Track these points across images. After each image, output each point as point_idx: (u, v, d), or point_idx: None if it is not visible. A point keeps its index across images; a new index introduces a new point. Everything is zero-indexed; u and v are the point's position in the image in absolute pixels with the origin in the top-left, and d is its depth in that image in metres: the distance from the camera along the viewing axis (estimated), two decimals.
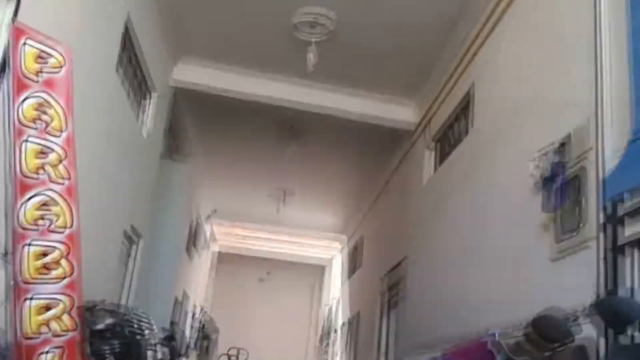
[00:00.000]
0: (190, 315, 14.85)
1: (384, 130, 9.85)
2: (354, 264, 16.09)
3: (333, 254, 19.31)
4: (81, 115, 5.10)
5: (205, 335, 17.53)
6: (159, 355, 6.43)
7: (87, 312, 5.61)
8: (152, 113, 8.38)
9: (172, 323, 10.94)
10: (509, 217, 5.45)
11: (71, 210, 3.03)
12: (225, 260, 21.48)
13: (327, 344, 18.09)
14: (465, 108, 7.64)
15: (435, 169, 8.86)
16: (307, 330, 23.14)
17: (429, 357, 5.88)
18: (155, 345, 7.39)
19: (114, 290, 7.69)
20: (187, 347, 15.71)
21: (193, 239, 14.89)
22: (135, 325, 6.50)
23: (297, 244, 19.29)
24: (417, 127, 9.54)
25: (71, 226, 3.02)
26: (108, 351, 5.32)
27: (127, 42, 6.92)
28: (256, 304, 22.74)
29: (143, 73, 7.72)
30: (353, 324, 14.56)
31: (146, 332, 6.35)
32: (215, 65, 8.94)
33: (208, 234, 17.86)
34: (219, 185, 14.47)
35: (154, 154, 9.01)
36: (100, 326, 5.67)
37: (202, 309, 16.76)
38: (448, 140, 8.34)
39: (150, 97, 8.30)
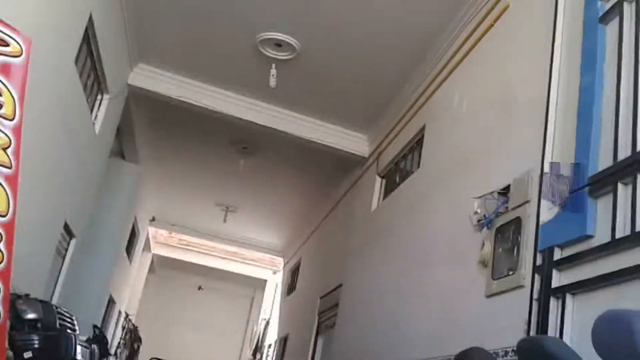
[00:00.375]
0: (115, 320, 14.48)
1: (336, 156, 10.01)
2: (291, 283, 16.11)
3: (274, 270, 19.32)
4: (35, 102, 5.03)
5: (126, 343, 17.11)
6: (88, 353, 6.23)
7: (18, 300, 5.45)
8: (105, 111, 8.25)
9: (94, 327, 10.64)
10: (449, 252, 5.61)
11: (8, 199, 2.97)
12: (165, 264, 21.17)
13: (260, 358, 17.96)
14: (415, 145, 7.85)
15: (382, 200, 9.03)
16: (241, 342, 22.97)
17: None
18: (87, 341, 7.22)
19: (48, 283, 7.47)
20: (117, 349, 15.31)
21: (133, 241, 14.62)
22: (68, 320, 6.35)
23: (239, 256, 19.24)
24: (368, 157, 9.74)
25: (6, 215, 2.95)
26: (37, 341, 5.17)
27: (89, 38, 6.84)
28: (192, 311, 22.44)
29: (101, 71, 7.62)
30: (283, 343, 14.54)
31: (70, 330, 6.21)
32: (174, 73, 8.92)
33: (150, 237, 17.58)
34: (165, 191, 14.33)
35: (104, 152, 8.86)
36: (31, 315, 5.51)
37: (127, 315, 16.37)
38: (397, 173, 8.53)
39: (105, 95, 8.19)
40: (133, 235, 14.34)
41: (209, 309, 22.76)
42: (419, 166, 7.39)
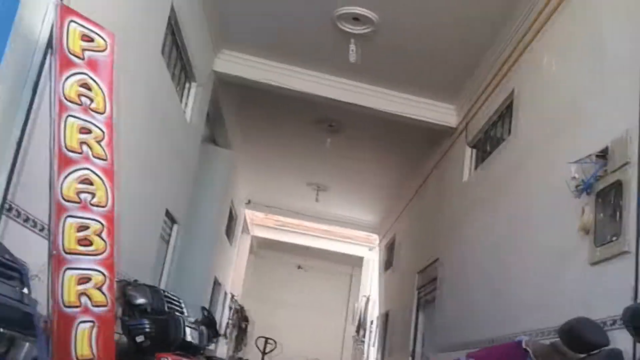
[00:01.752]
0: (222, 301, 15.06)
1: (423, 129, 9.81)
2: (387, 260, 16.10)
3: (369, 247, 19.39)
4: (128, 94, 5.28)
5: (235, 324, 17.78)
6: (197, 334, 6.48)
7: (128, 287, 5.78)
8: (195, 99, 8.52)
9: (203, 308, 11.12)
10: (548, 220, 5.40)
11: (107, 190, 3.13)
12: (264, 246, 21.78)
13: (364, 334, 18.17)
14: (505, 111, 7.56)
15: (473, 170, 8.79)
16: (343, 319, 23.30)
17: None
18: (195, 323, 7.58)
19: (155, 269, 7.88)
20: (226, 329, 15.96)
21: (232, 225, 15.11)
22: (176, 304, 6.66)
23: (334, 234, 19.40)
24: (457, 127, 9.47)
25: (106, 205, 3.11)
26: (147, 326, 5.46)
27: (172, 27, 7.05)
28: (294, 290, 22.96)
29: (187, 59, 7.86)
30: (386, 319, 14.61)
31: (178, 313, 6.50)
32: (256, 57, 9.03)
33: (247, 219, 18.11)
34: (258, 173, 14.66)
35: (196, 139, 9.18)
36: (141, 300, 5.83)
37: (232, 296, 16.97)
38: (488, 142, 8.26)
39: (193, 83, 8.44)
40: (231, 218, 14.81)
41: (310, 287, 23.20)
42: (509, 133, 7.11)
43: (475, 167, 8.67)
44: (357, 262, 21.98)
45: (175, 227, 8.67)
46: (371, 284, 18.58)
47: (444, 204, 9.90)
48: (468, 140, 8.90)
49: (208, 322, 11.66)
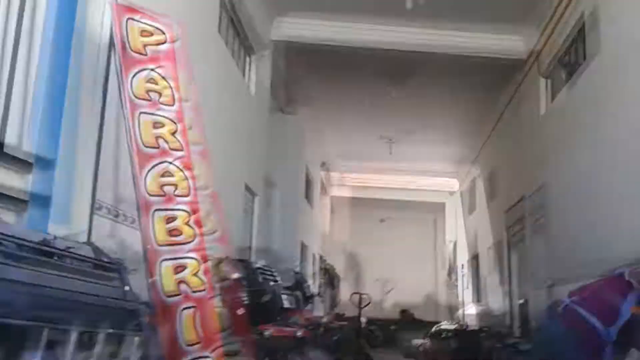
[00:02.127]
0: (311, 263, 15.33)
1: (491, 65, 9.41)
2: (470, 203, 15.85)
3: (450, 192, 19.15)
4: (195, 80, 5.34)
5: (327, 283, 18.10)
6: (293, 299, 6.62)
7: (220, 264, 5.97)
8: (256, 71, 8.53)
9: (295, 272, 11.35)
10: None
11: (187, 180, 3.18)
12: (344, 204, 21.92)
13: (456, 278, 18.13)
14: (577, 36, 7.11)
15: (549, 103, 8.38)
16: (433, 266, 23.30)
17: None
18: (289, 288, 7.73)
19: (242, 242, 8.08)
20: (319, 288, 16.30)
21: (310, 188, 15.26)
22: (268, 273, 6.83)
23: (412, 184, 19.24)
24: (527, 59, 9.02)
25: (189, 194, 3.17)
26: (245, 298, 5.64)
27: (225, 5, 7.03)
28: (380, 244, 23.05)
29: (243, 34, 7.85)
30: (476, 262, 14.47)
31: (272, 282, 6.67)
32: (313, 17, 8.91)
33: (324, 181, 18.25)
34: (328, 135, 14.65)
35: (263, 110, 9.23)
36: (235, 275, 6.01)
37: (321, 257, 17.22)
38: (563, 70, 7.83)
39: (252, 57, 8.44)
40: (308, 182, 14.92)
41: (395, 238, 23.19)
42: (585, 57, 6.69)
43: (552, 98, 8.27)
44: (439, 208, 21.76)
45: (256, 199, 8.83)
46: (456, 229, 18.38)
47: (524, 140, 9.55)
48: (541, 71, 8.49)
49: (301, 285, 11.97)
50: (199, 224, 3.18)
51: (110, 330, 2.15)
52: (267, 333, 4.32)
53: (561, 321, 3.92)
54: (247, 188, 8.22)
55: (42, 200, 2.86)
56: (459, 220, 17.92)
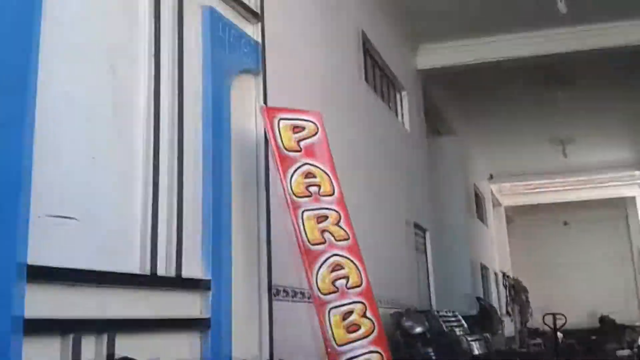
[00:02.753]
0: (493, 282, 14.69)
1: None
2: None
3: (638, 188, 17.40)
4: (351, 139, 5.38)
5: (514, 299, 17.22)
6: (483, 343, 6.35)
7: (402, 318, 5.86)
8: (409, 105, 8.41)
9: (478, 299, 10.92)
10: None
11: (358, 269, 3.12)
12: (520, 212, 20.85)
13: None
14: None
15: None
16: (631, 267, 21.27)
17: None
18: (475, 317, 7.35)
19: (420, 280, 7.92)
20: (506, 307, 15.59)
21: (480, 205, 14.70)
22: (452, 320, 6.60)
23: (593, 182, 17.75)
24: None
25: (361, 284, 3.11)
26: (432, 352, 5.47)
27: (368, 51, 7.01)
28: (565, 248, 21.54)
29: (391, 74, 7.78)
30: None
31: (457, 328, 6.42)
32: (456, 40, 8.60)
33: (495, 193, 17.52)
34: (493, 147, 14.13)
35: (422, 142, 9.06)
36: (419, 329, 5.86)
37: (504, 273, 16.46)
38: None
39: (403, 92, 8.33)
40: (478, 199, 14.39)
41: (582, 241, 21.49)
42: None
43: None
44: (629, 203, 19.86)
45: (427, 234, 8.62)
46: None
47: None
48: None
49: (487, 311, 11.48)
50: (375, 312, 3.10)
51: None
52: None
53: None
54: (417, 226, 8.06)
55: (224, 315, 2.95)
56: None
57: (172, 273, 2.75)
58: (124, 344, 2.35)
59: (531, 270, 20.51)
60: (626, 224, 21.76)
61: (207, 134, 3.12)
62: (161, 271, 2.68)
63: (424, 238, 8.61)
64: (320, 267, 3.04)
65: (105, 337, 2.30)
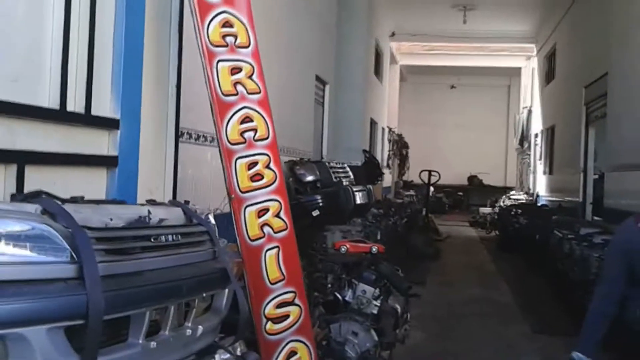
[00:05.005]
0: (380, 138, 15.41)
1: None
2: (547, 71, 15.17)
3: (527, 56, 18.30)
4: None
5: (396, 153, 18.28)
6: (365, 194, 6.79)
7: (296, 166, 6.16)
8: None
9: (364, 151, 11.51)
10: None
11: (266, 122, 3.23)
12: (414, 72, 21.45)
13: (528, 147, 17.87)
14: None
15: None
16: (504, 133, 22.97)
17: None
18: (359, 168, 7.77)
19: (315, 130, 8.20)
20: (387, 160, 16.56)
21: (379, 62, 14.94)
22: (341, 171, 7.01)
23: (486, 49, 18.42)
24: None
25: (268, 136, 3.23)
26: (319, 200, 5.87)
27: None
28: (449, 111, 22.74)
29: None
30: (551, 134, 14.17)
31: (344, 179, 6.86)
32: None
33: (394, 50, 17.78)
34: (399, 3, 14.08)
35: None
36: (310, 177, 6.22)
37: (390, 128, 17.25)
38: None
39: None
40: (377, 55, 14.59)
41: (465, 105, 22.79)
42: None
43: None
44: (513, 73, 20.99)
45: (327, 87, 8.79)
46: (532, 95, 17.78)
47: (613, 15, 8.88)
48: None
49: (371, 163, 12.19)
50: (278, 164, 3.28)
51: (205, 295, 2.32)
52: (343, 249, 4.52)
53: None
54: (318, 79, 8.18)
55: (131, 154, 3.01)
56: (535, 86, 17.28)
57: (82, 110, 2.73)
58: (32, 177, 2.38)
59: (415, 128, 21.65)
60: (507, 93, 23.17)
61: None
62: (70, 107, 2.66)
63: (323, 91, 8.80)
64: (230, 118, 3.11)
65: (14, 168, 2.31)
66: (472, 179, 22.70)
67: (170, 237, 2.23)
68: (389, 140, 17.27)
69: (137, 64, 3.05)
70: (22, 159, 2.35)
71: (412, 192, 16.41)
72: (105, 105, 2.89)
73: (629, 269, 3.92)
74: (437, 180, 13.63)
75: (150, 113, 3.22)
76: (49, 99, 2.56)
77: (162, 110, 3.36)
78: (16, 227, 1.76)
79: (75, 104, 2.69)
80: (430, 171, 13.22)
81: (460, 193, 21.90)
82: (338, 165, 7.04)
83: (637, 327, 3.94)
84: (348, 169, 7.27)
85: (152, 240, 2.15)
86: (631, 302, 3.93)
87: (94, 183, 2.82)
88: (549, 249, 7.66)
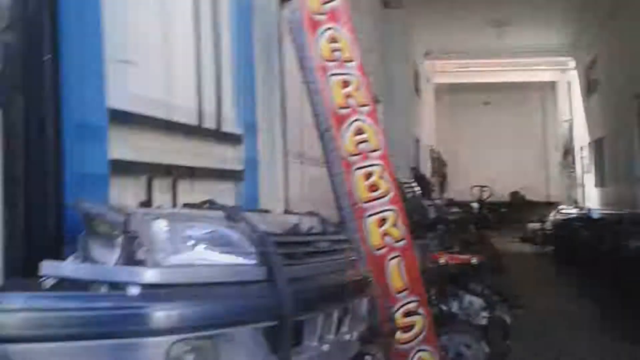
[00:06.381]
0: (423, 155, 15.39)
1: None
2: (588, 83, 15.04)
3: (562, 69, 18.18)
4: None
5: (437, 170, 18.23)
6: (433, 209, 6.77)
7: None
8: None
9: (412, 168, 11.50)
10: None
11: (376, 134, 3.27)
12: (445, 90, 21.41)
13: (573, 160, 17.62)
14: None
15: None
16: (542, 147, 22.72)
17: None
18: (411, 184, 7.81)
19: None
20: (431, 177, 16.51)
21: (417, 80, 14.99)
22: (408, 188, 7.03)
23: (520, 65, 18.36)
24: None
25: (379, 147, 3.27)
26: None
27: None
28: (484, 126, 22.53)
29: None
30: (599, 146, 13.94)
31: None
32: None
33: (428, 70, 17.84)
34: (433, 24, 14.13)
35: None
36: None
37: (430, 147, 17.24)
38: None
39: None
40: (416, 75, 14.64)
41: (500, 121, 22.51)
42: None
43: None
44: (547, 87, 20.85)
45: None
46: (572, 108, 17.60)
47: None
48: None
49: (422, 180, 12.16)
50: (391, 175, 3.31)
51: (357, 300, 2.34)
52: (441, 261, 4.49)
53: None
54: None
55: (253, 167, 3.07)
56: (575, 99, 17.12)
57: (214, 126, 2.81)
58: (183, 188, 2.45)
59: (450, 145, 21.53)
60: (541, 108, 22.97)
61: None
62: (205, 124, 2.74)
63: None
64: (346, 130, 3.16)
65: (171, 181, 2.38)
66: (514, 194, 22.38)
67: (325, 245, 2.26)
68: (431, 158, 17.24)
69: (251, 80, 3.14)
70: (174, 173, 2.42)
71: (456, 209, 16.25)
72: (229, 123, 2.96)
73: None
74: (489, 196, 13.51)
75: (263, 128, 3.29)
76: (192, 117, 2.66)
77: (272, 126, 3.43)
78: (208, 231, 1.81)
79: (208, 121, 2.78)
80: (482, 187, 13.11)
81: (504, 209, 21.61)
82: (405, 181, 7.04)
83: None
84: (415, 184, 7.27)
85: (315, 247, 2.18)
86: None
87: (224, 195, 2.87)
88: (620, 259, 7.50)
